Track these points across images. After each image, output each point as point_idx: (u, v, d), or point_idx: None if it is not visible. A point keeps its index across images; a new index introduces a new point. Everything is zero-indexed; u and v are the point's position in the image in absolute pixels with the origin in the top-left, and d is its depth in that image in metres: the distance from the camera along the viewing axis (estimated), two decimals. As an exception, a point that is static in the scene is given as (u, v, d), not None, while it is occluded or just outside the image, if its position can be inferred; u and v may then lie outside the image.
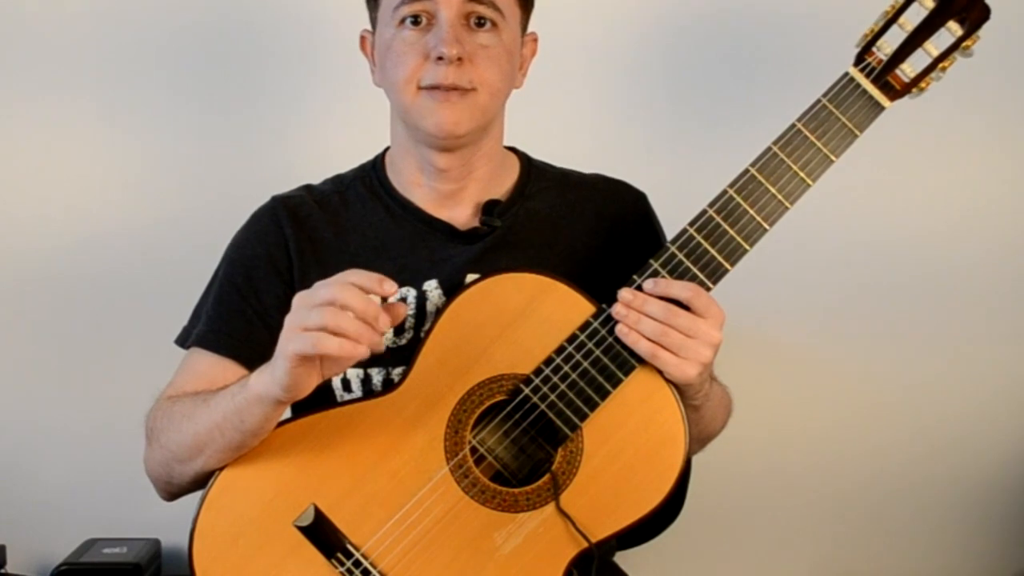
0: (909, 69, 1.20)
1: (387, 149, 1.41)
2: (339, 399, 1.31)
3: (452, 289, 1.27)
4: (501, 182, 1.38)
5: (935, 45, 1.19)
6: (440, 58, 1.24)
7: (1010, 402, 2.01)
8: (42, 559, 1.94)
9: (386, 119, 1.38)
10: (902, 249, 1.98)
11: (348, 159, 1.44)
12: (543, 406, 1.19)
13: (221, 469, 1.20)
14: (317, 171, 1.44)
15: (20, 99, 1.93)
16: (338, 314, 1.05)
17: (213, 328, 1.33)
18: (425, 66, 1.26)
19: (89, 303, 1.96)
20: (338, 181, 1.41)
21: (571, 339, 1.20)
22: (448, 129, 1.27)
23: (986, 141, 1.95)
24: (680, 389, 1.20)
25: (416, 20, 1.27)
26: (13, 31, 1.91)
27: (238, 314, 1.32)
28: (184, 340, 1.36)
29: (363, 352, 1.06)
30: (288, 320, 1.09)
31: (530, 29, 1.37)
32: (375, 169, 1.40)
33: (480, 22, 1.27)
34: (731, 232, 1.20)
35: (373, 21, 1.35)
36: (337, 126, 1.93)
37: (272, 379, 1.12)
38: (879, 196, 1.94)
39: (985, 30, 1.19)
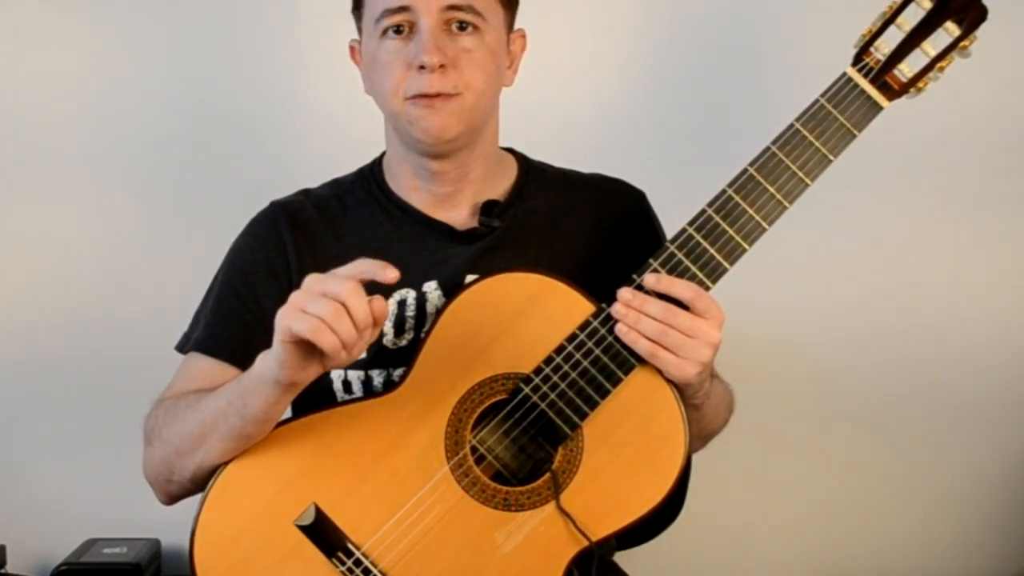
0: (907, 69, 1.20)
1: (384, 152, 1.41)
2: (340, 400, 1.31)
3: (452, 290, 1.27)
4: (499, 183, 1.39)
5: (933, 45, 1.19)
6: (422, 67, 1.24)
7: (1011, 401, 2.01)
8: (42, 559, 1.94)
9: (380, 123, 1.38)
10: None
11: (349, 162, 1.45)
12: (543, 405, 1.20)
13: (221, 468, 1.20)
14: (318, 174, 1.44)
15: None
16: (340, 313, 1.05)
17: (212, 333, 1.33)
18: (409, 75, 1.26)
19: (89, 304, 1.96)
20: (336, 185, 1.41)
21: (571, 338, 1.20)
22: (437, 134, 1.28)
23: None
24: (680, 388, 1.21)
25: (398, 30, 1.27)
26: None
27: (237, 319, 1.33)
28: (183, 345, 1.36)
29: (346, 360, 1.08)
30: (293, 297, 1.09)
31: (527, 26, 1.37)
32: (373, 172, 1.40)
33: (462, 26, 1.27)
34: (730, 231, 1.20)
35: (359, 31, 1.35)
36: (338, 128, 1.93)
37: (272, 356, 1.12)
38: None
39: (982, 30, 1.19)
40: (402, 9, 1.26)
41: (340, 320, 1.05)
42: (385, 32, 1.28)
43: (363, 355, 1.29)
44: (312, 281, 1.08)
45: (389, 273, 1.08)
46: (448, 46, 1.26)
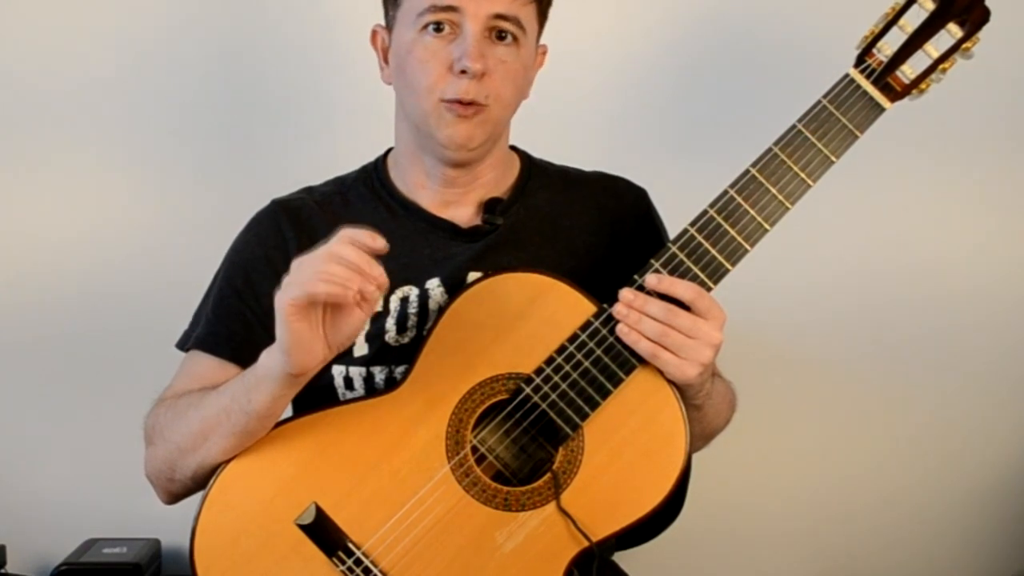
0: (909, 70, 1.21)
1: (389, 151, 1.42)
2: (341, 397, 1.32)
3: (454, 287, 1.27)
4: (503, 180, 1.39)
5: (935, 47, 1.20)
6: (464, 71, 1.24)
7: (1010, 409, 2.01)
8: (42, 559, 1.94)
9: (386, 122, 1.38)
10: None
11: (348, 162, 1.45)
12: (544, 405, 1.20)
13: (222, 467, 1.20)
14: (317, 175, 1.44)
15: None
16: (328, 262, 1.07)
17: (212, 331, 1.34)
18: (448, 78, 1.26)
19: (88, 304, 1.96)
20: (339, 182, 1.42)
21: (572, 338, 1.20)
22: (461, 143, 1.28)
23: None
24: (681, 389, 1.21)
25: (439, 27, 1.26)
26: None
27: (237, 317, 1.33)
28: (184, 343, 1.36)
29: (350, 296, 1.06)
30: (284, 279, 1.10)
31: None
32: (377, 170, 1.40)
33: (501, 35, 1.27)
34: (732, 232, 1.21)
35: (390, 19, 1.33)
36: (337, 130, 1.93)
37: (277, 347, 1.12)
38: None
39: (985, 32, 1.19)
40: (450, 8, 1.25)
41: (331, 268, 1.06)
42: (425, 27, 1.26)
43: (365, 351, 1.31)
44: (297, 260, 1.10)
45: (378, 243, 1.08)
46: (488, 53, 1.26)
